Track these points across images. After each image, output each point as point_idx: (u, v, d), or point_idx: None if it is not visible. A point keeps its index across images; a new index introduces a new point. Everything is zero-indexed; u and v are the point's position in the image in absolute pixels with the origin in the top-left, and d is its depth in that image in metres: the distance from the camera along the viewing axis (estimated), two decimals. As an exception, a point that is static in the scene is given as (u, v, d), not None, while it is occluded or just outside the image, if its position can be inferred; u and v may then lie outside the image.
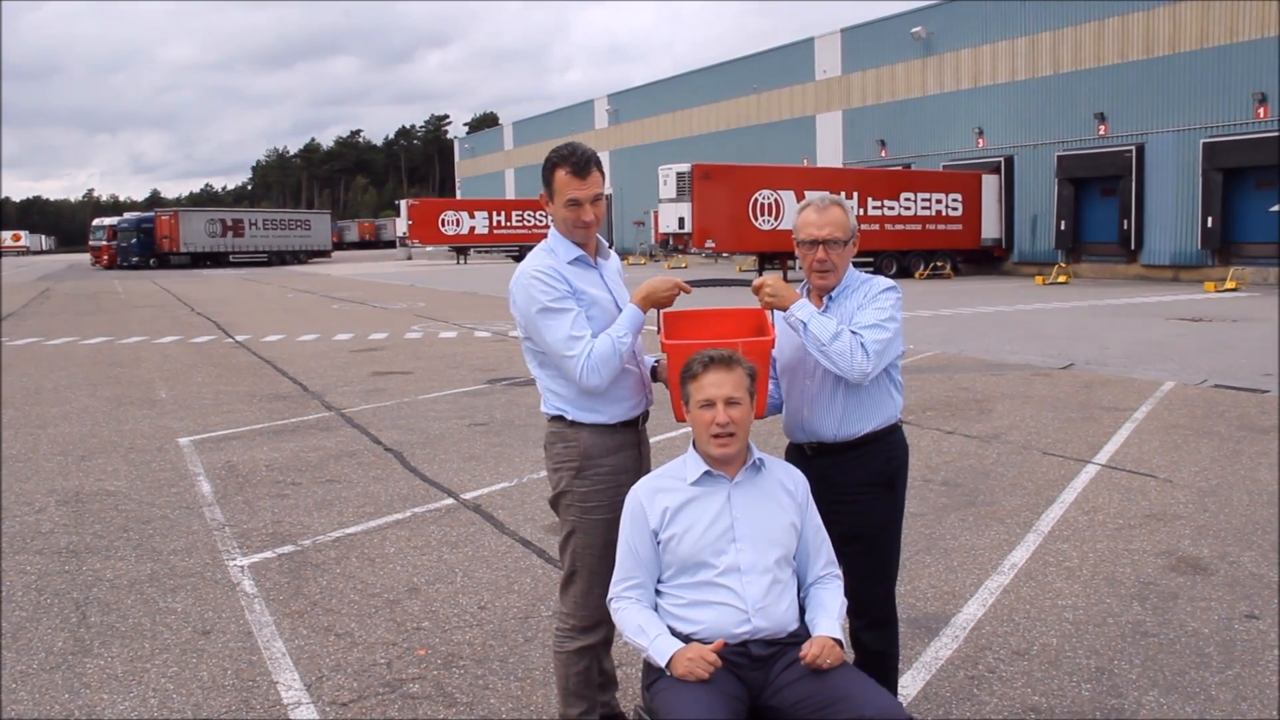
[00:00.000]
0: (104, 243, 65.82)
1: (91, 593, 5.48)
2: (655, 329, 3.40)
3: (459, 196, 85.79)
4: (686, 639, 2.94)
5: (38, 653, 4.69)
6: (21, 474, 8.28)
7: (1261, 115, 30.06)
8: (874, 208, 35.41)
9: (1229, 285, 27.71)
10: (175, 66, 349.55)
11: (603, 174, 3.37)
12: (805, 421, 3.45)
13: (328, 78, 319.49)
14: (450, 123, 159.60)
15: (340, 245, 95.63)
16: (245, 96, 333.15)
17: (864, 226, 32.09)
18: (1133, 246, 34.01)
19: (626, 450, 3.43)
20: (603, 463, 3.37)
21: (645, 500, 3.09)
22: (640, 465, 3.47)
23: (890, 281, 3.44)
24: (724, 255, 37.63)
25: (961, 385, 11.84)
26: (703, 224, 32.75)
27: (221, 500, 7.34)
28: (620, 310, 3.38)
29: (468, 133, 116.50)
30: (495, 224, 62.69)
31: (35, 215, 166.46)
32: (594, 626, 3.43)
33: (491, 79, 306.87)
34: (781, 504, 3.09)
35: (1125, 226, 33.95)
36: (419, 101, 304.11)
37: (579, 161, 3.28)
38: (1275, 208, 29.82)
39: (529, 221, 63.05)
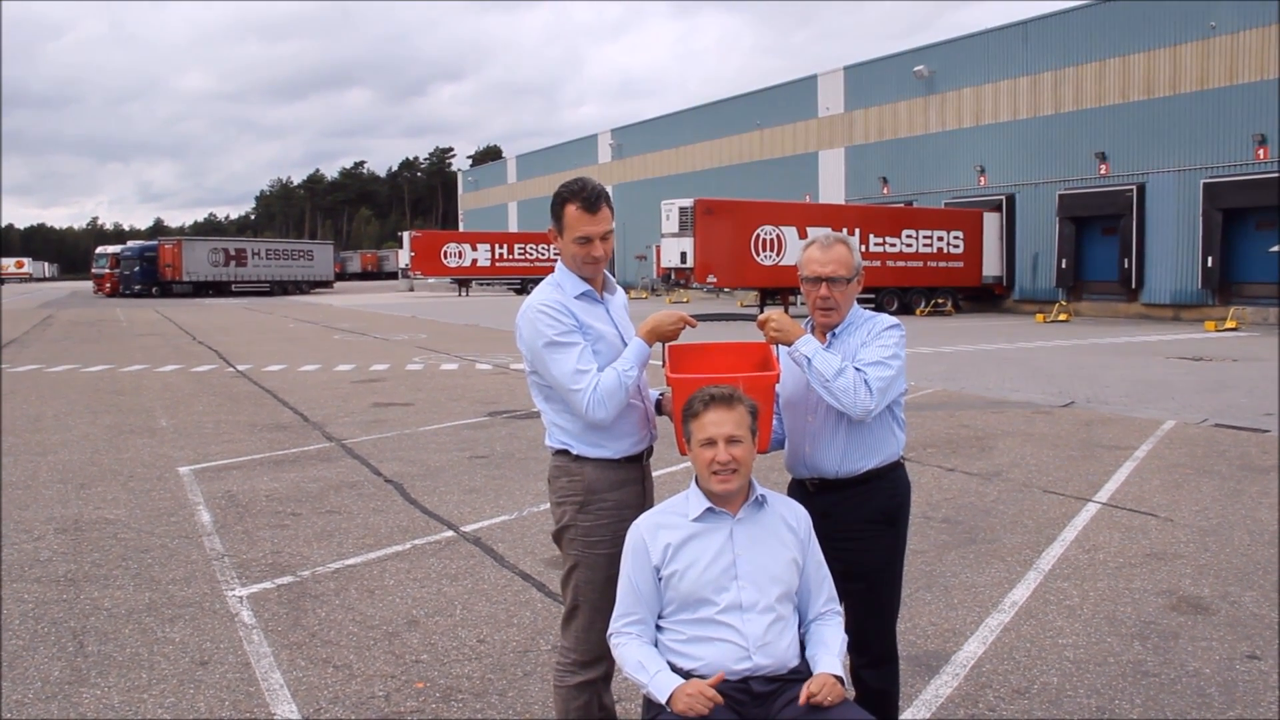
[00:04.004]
0: (107, 270, 66.03)
1: (89, 622, 5.46)
2: (660, 363, 3.41)
3: (461, 229, 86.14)
4: (687, 675, 2.93)
5: (34, 682, 4.67)
6: (21, 501, 8.27)
7: (1261, 156, 30.25)
8: (876, 244, 35.54)
9: (1229, 325, 27.77)
10: (190, 97, 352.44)
11: (612, 210, 3.39)
12: (807, 457, 3.46)
13: (340, 109, 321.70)
14: (454, 155, 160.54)
15: (342, 276, 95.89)
16: (258, 127, 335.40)
17: (866, 263, 32.13)
18: (1133, 285, 34.10)
19: (630, 485, 3.44)
20: (606, 497, 3.37)
21: (647, 536, 3.09)
22: (644, 500, 3.47)
23: (894, 319, 3.46)
24: (726, 290, 37.77)
25: (962, 422, 11.84)
26: (705, 259, 32.87)
27: (221, 530, 7.33)
28: (626, 344, 3.39)
29: (471, 165, 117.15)
30: (497, 256, 62.86)
31: (38, 242, 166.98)
32: (595, 661, 3.42)
33: (503, 113, 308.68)
34: (784, 540, 3.09)
35: (1126, 265, 34.06)
36: (429, 134, 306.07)
37: (590, 197, 3.30)
38: (1275, 248, 29.92)
39: (531, 254, 63.25)
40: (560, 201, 3.34)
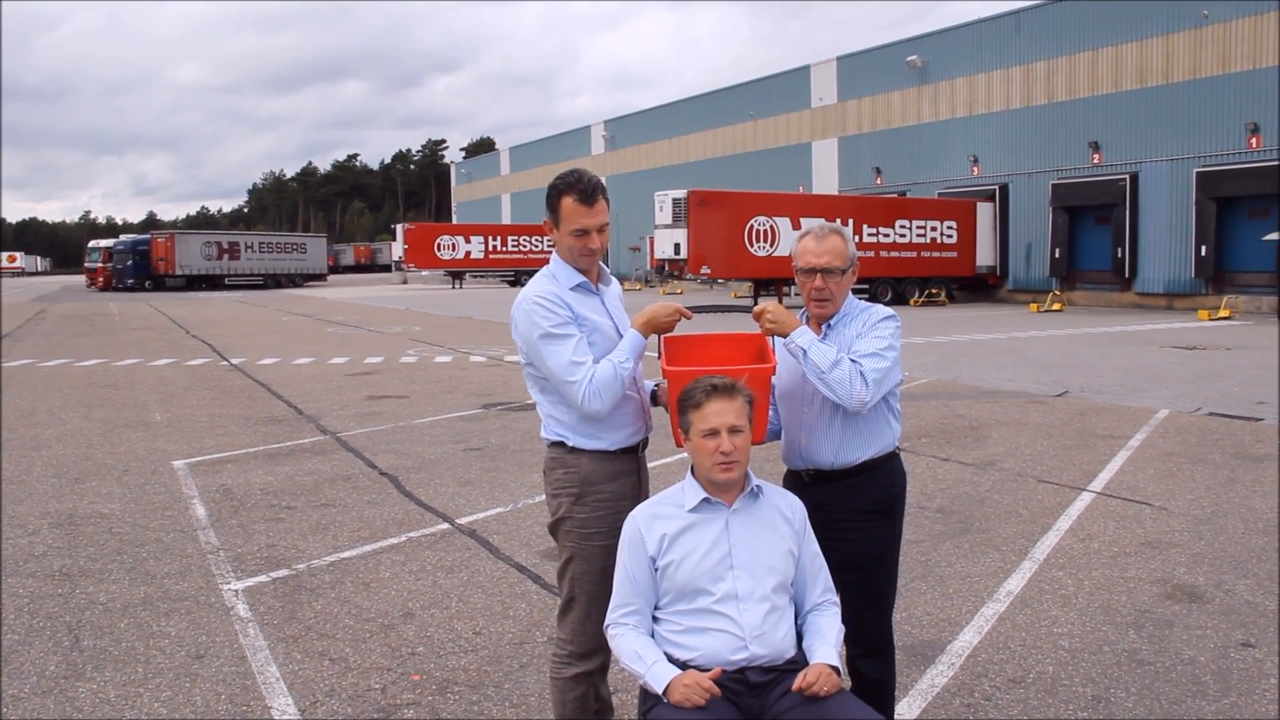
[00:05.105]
0: (99, 264, 65.84)
1: (84, 616, 5.46)
2: (655, 354, 3.41)
3: (455, 221, 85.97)
4: (683, 665, 2.93)
5: (29, 677, 4.66)
6: (15, 496, 8.25)
7: (1254, 145, 30.28)
8: (869, 235, 35.51)
9: (1222, 313, 27.83)
10: (185, 89, 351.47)
11: (608, 201, 3.37)
12: (803, 448, 3.46)
13: (335, 101, 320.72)
14: (447, 147, 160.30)
15: (336, 269, 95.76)
16: (252, 119, 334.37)
17: (860, 253, 32.26)
18: (1127, 274, 34.15)
19: (626, 477, 3.43)
20: (602, 489, 3.37)
21: (643, 526, 3.09)
22: (639, 492, 3.47)
23: (889, 310, 3.45)
24: (719, 281, 37.73)
25: (957, 412, 11.86)
26: (698, 250, 32.82)
27: (216, 523, 7.32)
28: (621, 336, 3.39)
29: (464, 157, 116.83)
30: (491, 249, 62.80)
31: (31, 236, 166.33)
32: (591, 653, 3.42)
33: (498, 105, 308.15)
34: (779, 531, 3.10)
35: (1119, 254, 34.09)
36: (424, 126, 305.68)
37: (586, 189, 3.29)
38: (1271, 235, 29.96)
39: (525, 246, 63.20)
40: (556, 193, 3.32)
